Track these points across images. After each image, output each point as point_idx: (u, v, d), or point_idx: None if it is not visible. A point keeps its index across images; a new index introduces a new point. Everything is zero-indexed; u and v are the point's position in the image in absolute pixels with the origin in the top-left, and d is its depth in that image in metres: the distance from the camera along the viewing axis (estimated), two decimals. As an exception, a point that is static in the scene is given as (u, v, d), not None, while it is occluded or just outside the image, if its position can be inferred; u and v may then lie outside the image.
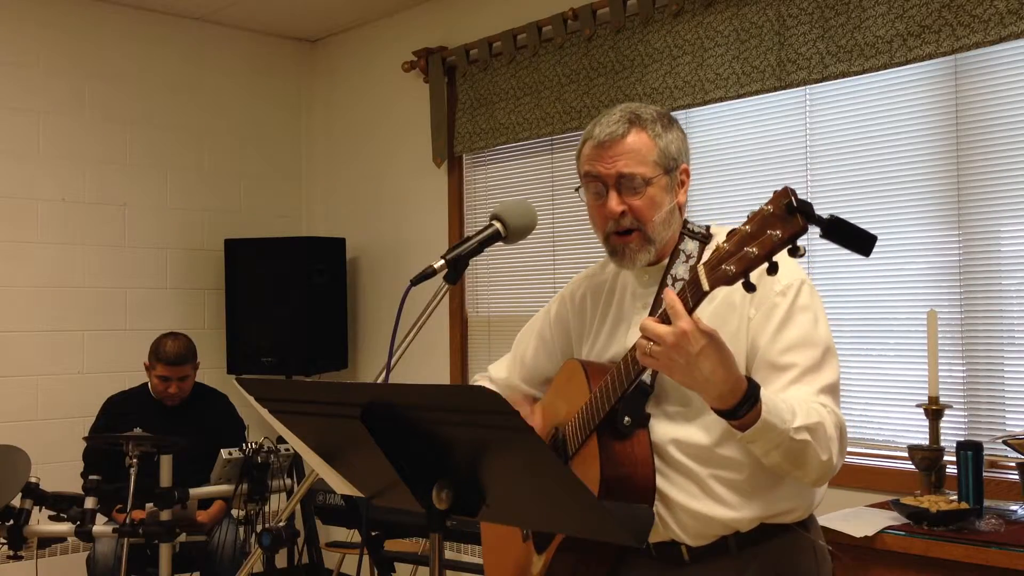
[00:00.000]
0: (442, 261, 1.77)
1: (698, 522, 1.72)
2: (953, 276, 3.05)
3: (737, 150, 3.59)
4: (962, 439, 2.72)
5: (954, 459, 2.63)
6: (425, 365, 4.60)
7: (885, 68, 3.11)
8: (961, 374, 3.03)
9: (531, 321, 2.11)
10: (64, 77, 4.68)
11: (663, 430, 1.73)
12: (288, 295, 4.88)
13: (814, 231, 1.41)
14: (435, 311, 1.82)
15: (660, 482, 1.72)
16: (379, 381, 1.72)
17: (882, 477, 3.13)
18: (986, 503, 2.58)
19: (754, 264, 1.41)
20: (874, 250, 1.41)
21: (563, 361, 1.98)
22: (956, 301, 3.04)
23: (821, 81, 3.26)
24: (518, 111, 4.25)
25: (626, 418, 1.70)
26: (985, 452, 2.62)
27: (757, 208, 1.43)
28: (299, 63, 5.50)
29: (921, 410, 2.73)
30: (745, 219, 1.45)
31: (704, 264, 1.48)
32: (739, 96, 3.47)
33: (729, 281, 1.44)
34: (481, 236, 1.82)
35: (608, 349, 1.87)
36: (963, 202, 3.03)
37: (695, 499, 1.71)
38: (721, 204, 3.60)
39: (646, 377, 1.72)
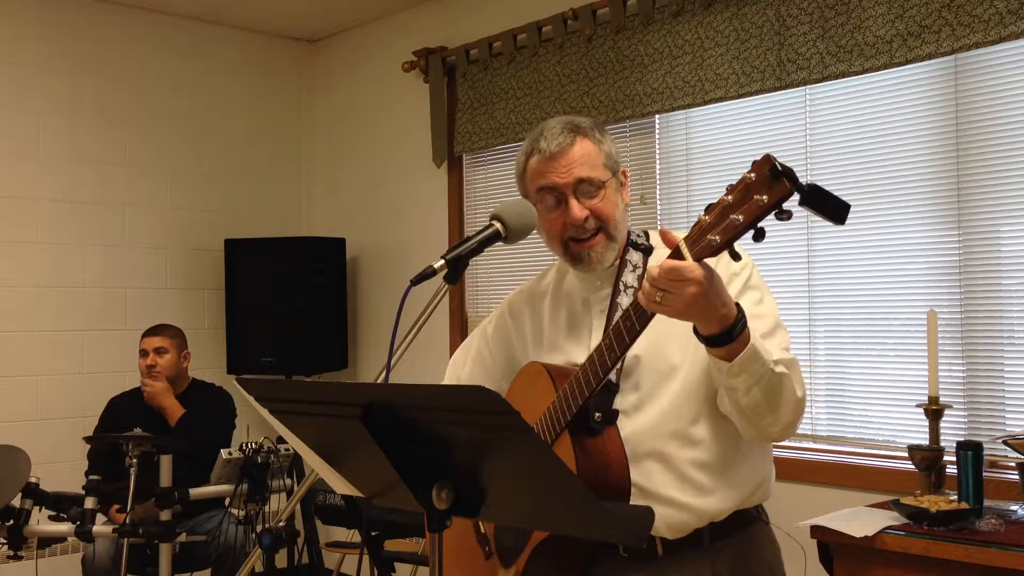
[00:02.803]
0: (442, 261, 1.77)
1: (678, 511, 1.73)
2: (953, 276, 3.05)
3: (737, 150, 3.58)
4: (962, 439, 2.71)
5: (954, 459, 2.63)
6: (425, 365, 4.60)
7: (885, 68, 3.11)
8: (961, 374, 3.03)
9: (465, 343, 2.11)
10: (64, 77, 4.68)
11: (635, 422, 1.75)
12: (288, 295, 4.88)
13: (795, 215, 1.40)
14: (435, 311, 1.82)
15: (637, 476, 1.73)
16: (379, 381, 1.72)
17: (882, 477, 3.13)
18: (986, 503, 2.57)
19: (740, 231, 1.42)
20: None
21: (504, 380, 1.99)
22: (956, 301, 3.04)
23: (821, 81, 3.27)
24: (518, 111, 4.25)
25: (597, 414, 1.72)
26: (985, 452, 2.62)
27: (737, 179, 1.43)
28: (299, 63, 5.50)
29: (921, 410, 2.73)
30: (725, 191, 1.45)
31: (686, 239, 1.49)
32: (739, 96, 3.47)
33: (714, 252, 1.45)
34: (481, 236, 1.82)
35: (566, 354, 1.87)
36: (963, 202, 3.03)
37: (674, 488, 1.73)
38: (721, 204, 3.59)
39: (611, 375, 1.74)
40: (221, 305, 5.01)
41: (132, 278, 4.85)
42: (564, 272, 1.97)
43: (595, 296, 1.87)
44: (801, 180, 1.39)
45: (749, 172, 1.42)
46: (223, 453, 3.39)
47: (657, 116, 3.82)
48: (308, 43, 5.53)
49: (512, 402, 1.87)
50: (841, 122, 3.31)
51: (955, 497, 2.58)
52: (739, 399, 1.62)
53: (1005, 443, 2.68)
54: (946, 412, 2.74)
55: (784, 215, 1.40)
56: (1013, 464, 2.72)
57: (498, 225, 1.84)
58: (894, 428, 3.19)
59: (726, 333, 1.54)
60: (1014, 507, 2.59)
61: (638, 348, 1.73)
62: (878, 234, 3.19)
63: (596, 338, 1.82)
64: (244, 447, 3.41)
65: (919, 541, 2.42)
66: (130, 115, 4.87)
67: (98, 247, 4.75)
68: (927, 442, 2.70)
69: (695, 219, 1.83)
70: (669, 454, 1.74)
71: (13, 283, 4.50)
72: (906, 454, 2.77)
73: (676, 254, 1.49)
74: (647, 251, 1.85)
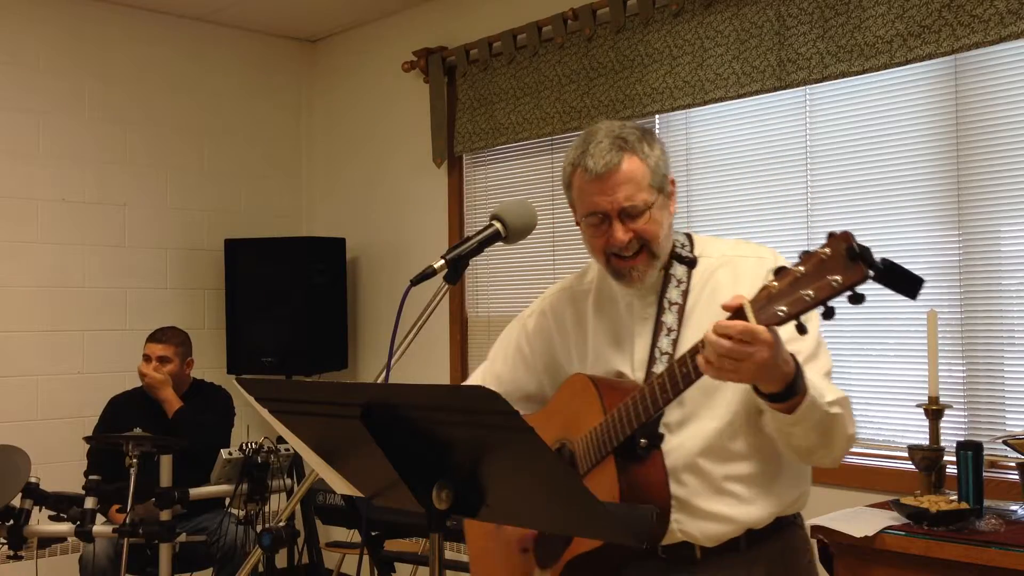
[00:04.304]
0: (442, 261, 1.77)
1: (717, 523, 1.74)
2: (953, 276, 3.05)
3: (737, 150, 3.58)
4: (962, 439, 2.71)
5: (954, 459, 2.63)
6: (425, 365, 4.60)
7: (885, 68, 3.11)
8: (961, 374, 3.03)
9: (505, 334, 2.09)
10: (64, 77, 4.67)
11: (678, 437, 1.74)
12: (288, 295, 4.88)
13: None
14: (435, 311, 1.82)
15: (676, 489, 1.73)
16: (379, 381, 1.72)
17: (882, 477, 3.13)
18: (986, 503, 2.58)
19: (808, 308, 1.41)
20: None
21: (545, 375, 1.98)
22: (956, 301, 3.04)
23: (821, 81, 3.26)
24: (518, 111, 4.25)
25: (642, 440, 1.70)
26: (985, 452, 2.62)
27: (811, 250, 1.42)
28: (299, 63, 5.50)
29: (921, 410, 2.73)
30: (798, 259, 1.43)
31: (752, 302, 1.47)
32: (739, 96, 3.47)
33: (780, 322, 1.45)
34: (481, 236, 1.82)
35: (610, 361, 1.85)
36: (963, 202, 3.03)
37: (712, 501, 1.73)
38: (721, 204, 3.60)
39: None
40: (221, 305, 5.01)
41: (132, 278, 4.85)
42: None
43: (639, 303, 1.85)
44: (876, 259, 1.35)
45: (824, 247, 1.39)
46: (223, 453, 3.38)
47: (657, 116, 3.82)
48: (308, 43, 5.53)
49: (556, 411, 1.89)
50: (841, 122, 3.31)
51: (955, 497, 2.59)
52: (793, 441, 1.65)
53: (1005, 443, 2.68)
54: (946, 412, 2.74)
55: (857, 299, 1.38)
56: (1013, 464, 2.72)
57: (498, 225, 1.84)
58: (894, 428, 3.19)
59: (788, 390, 1.54)
60: (1014, 507, 2.59)
61: None
62: (878, 234, 3.19)
63: (639, 348, 1.81)
64: (244, 447, 3.41)
65: (919, 541, 2.42)
66: (130, 115, 4.87)
67: (98, 247, 4.75)
68: (927, 442, 2.70)
69: (697, 219, 1.84)
70: (710, 469, 1.74)
71: (13, 283, 4.50)
72: (906, 454, 2.77)
73: (739, 316, 1.48)
74: (691, 263, 1.83)
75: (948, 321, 3.03)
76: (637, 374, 1.80)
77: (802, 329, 1.44)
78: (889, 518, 2.56)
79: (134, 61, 4.89)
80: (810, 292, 1.40)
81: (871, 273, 1.34)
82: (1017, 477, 2.66)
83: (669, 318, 1.78)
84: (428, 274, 1.75)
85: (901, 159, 3.17)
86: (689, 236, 1.89)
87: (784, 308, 1.42)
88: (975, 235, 3.01)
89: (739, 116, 3.59)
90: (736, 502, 1.74)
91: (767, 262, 1.75)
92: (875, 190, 3.21)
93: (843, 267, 1.36)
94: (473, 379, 2.10)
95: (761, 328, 1.45)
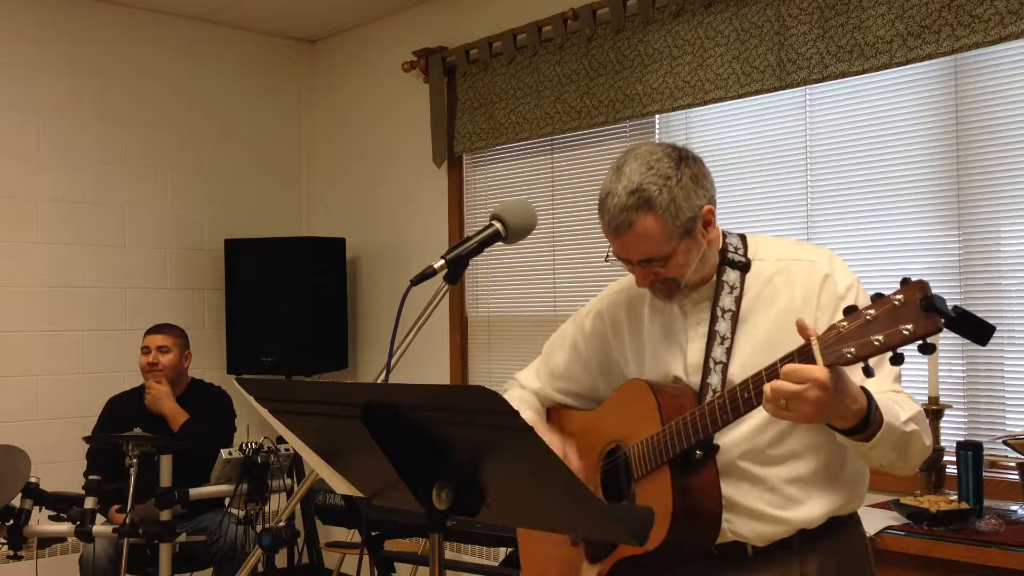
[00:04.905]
0: (442, 261, 1.77)
1: (767, 524, 1.74)
2: (953, 276, 3.05)
3: (737, 150, 3.58)
4: (962, 439, 2.72)
5: (954, 459, 2.63)
6: (425, 365, 4.61)
7: (885, 68, 3.11)
8: (961, 374, 3.03)
9: (560, 331, 2.08)
10: (64, 77, 4.67)
11: (728, 438, 1.74)
12: (288, 295, 4.88)
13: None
14: (435, 311, 1.82)
15: (727, 489, 1.72)
16: (379, 381, 1.72)
17: (882, 477, 3.11)
18: (986, 503, 2.58)
19: (877, 353, 1.42)
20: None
21: (600, 376, 1.99)
22: (956, 301, 3.04)
23: (821, 81, 3.27)
24: (518, 111, 4.25)
25: (698, 452, 1.70)
26: (985, 452, 2.62)
27: (885, 293, 1.42)
28: (299, 63, 5.50)
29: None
30: (869, 301, 1.44)
31: (819, 339, 1.48)
32: (739, 96, 3.47)
33: (847, 363, 1.45)
34: (481, 236, 1.82)
35: (665, 365, 1.85)
36: (963, 202, 3.04)
37: (765, 503, 1.73)
38: (721, 205, 3.57)
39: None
40: (221, 305, 5.01)
41: (132, 278, 4.85)
42: None
43: (692, 307, 1.84)
44: (947, 308, 1.37)
45: (897, 293, 1.41)
46: (223, 453, 3.38)
47: (657, 116, 3.82)
48: (308, 43, 5.53)
49: (612, 412, 1.89)
50: (841, 122, 3.31)
51: (955, 497, 2.59)
52: (872, 461, 1.66)
53: (1005, 443, 2.68)
54: (946, 412, 2.74)
55: (928, 349, 1.38)
56: (1013, 464, 2.73)
57: (498, 225, 1.84)
58: (894, 428, 3.18)
59: (862, 424, 1.55)
60: (1014, 507, 2.59)
61: (738, 366, 1.73)
62: (878, 234, 3.19)
63: (692, 352, 1.80)
64: (244, 447, 3.41)
65: (919, 541, 2.42)
66: (129, 115, 4.87)
67: (98, 247, 4.75)
68: (927, 442, 2.70)
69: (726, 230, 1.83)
70: (760, 470, 1.74)
71: (13, 283, 4.50)
72: (906, 454, 2.77)
73: (806, 353, 1.49)
74: (744, 268, 1.81)
75: (948, 321, 3.03)
76: (691, 378, 1.79)
77: (869, 372, 1.44)
78: (889, 518, 2.56)
79: (134, 61, 4.89)
80: (880, 338, 1.41)
81: (943, 322, 1.36)
82: (1017, 477, 2.66)
83: (722, 326, 1.77)
84: (428, 274, 1.76)
85: (901, 159, 3.17)
86: (743, 237, 1.87)
87: (852, 350, 1.43)
88: (975, 235, 3.01)
89: (739, 116, 3.59)
90: (787, 503, 1.73)
91: (821, 267, 1.75)
92: (875, 190, 3.21)
93: (915, 316, 1.38)
94: (528, 372, 2.10)
95: (807, 367, 1.46)
